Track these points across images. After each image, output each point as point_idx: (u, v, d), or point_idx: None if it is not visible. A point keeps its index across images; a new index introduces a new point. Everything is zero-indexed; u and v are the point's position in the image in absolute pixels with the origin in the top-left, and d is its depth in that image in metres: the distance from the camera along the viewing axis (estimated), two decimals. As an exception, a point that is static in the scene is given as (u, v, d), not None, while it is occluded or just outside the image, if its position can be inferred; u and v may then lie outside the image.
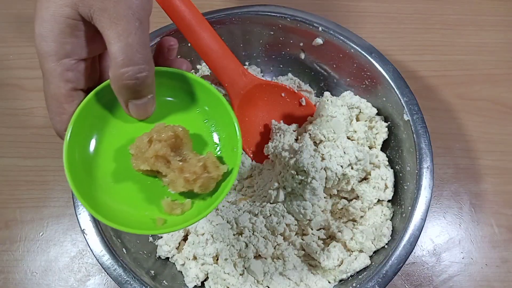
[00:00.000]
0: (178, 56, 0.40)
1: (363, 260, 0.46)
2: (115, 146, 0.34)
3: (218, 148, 0.36)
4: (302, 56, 0.57)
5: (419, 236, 0.43)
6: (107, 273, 0.43)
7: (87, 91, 0.33)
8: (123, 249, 0.45)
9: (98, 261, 0.43)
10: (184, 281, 0.48)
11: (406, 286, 0.52)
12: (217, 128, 0.36)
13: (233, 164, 0.34)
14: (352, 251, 0.48)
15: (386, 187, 0.50)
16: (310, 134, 0.50)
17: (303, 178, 0.47)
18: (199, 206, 0.33)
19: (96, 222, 0.44)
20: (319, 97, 0.58)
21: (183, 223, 0.32)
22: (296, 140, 0.53)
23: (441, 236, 0.54)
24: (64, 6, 0.29)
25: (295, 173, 0.47)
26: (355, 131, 0.52)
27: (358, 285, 0.43)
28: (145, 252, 0.49)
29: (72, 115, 0.32)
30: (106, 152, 0.34)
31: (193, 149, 0.34)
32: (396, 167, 0.51)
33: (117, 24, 0.28)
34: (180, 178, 0.32)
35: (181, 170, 0.32)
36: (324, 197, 0.50)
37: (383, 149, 0.53)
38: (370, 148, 0.53)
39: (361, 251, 0.47)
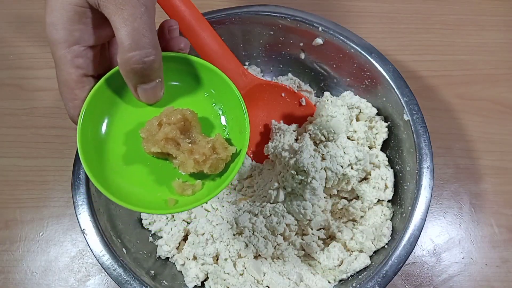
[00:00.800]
0: None
1: (363, 260, 0.46)
2: (125, 130, 0.35)
3: (226, 131, 0.37)
4: (302, 56, 0.57)
5: (419, 236, 0.43)
6: (107, 273, 0.43)
7: (97, 78, 0.34)
8: (123, 249, 0.45)
9: (98, 261, 0.43)
10: (184, 281, 0.48)
11: (406, 286, 0.52)
12: (224, 111, 0.37)
13: (241, 145, 0.35)
14: (352, 251, 0.48)
15: (386, 187, 0.50)
16: (310, 134, 0.50)
17: (303, 178, 0.47)
18: (209, 187, 0.34)
19: (96, 222, 0.44)
20: (319, 97, 0.58)
21: (194, 202, 0.33)
22: (296, 140, 0.53)
23: (441, 236, 0.54)
24: None
25: (295, 173, 0.47)
26: (355, 131, 0.52)
27: (358, 285, 0.43)
28: (145, 252, 0.49)
29: (84, 101, 0.33)
30: (117, 136, 0.35)
31: (202, 132, 0.35)
32: (396, 167, 0.51)
33: (123, 10, 0.29)
34: (190, 160, 0.33)
35: (191, 152, 0.33)
36: (324, 197, 0.50)
37: (383, 149, 0.53)
38: (370, 148, 0.53)
39: (361, 251, 0.47)
